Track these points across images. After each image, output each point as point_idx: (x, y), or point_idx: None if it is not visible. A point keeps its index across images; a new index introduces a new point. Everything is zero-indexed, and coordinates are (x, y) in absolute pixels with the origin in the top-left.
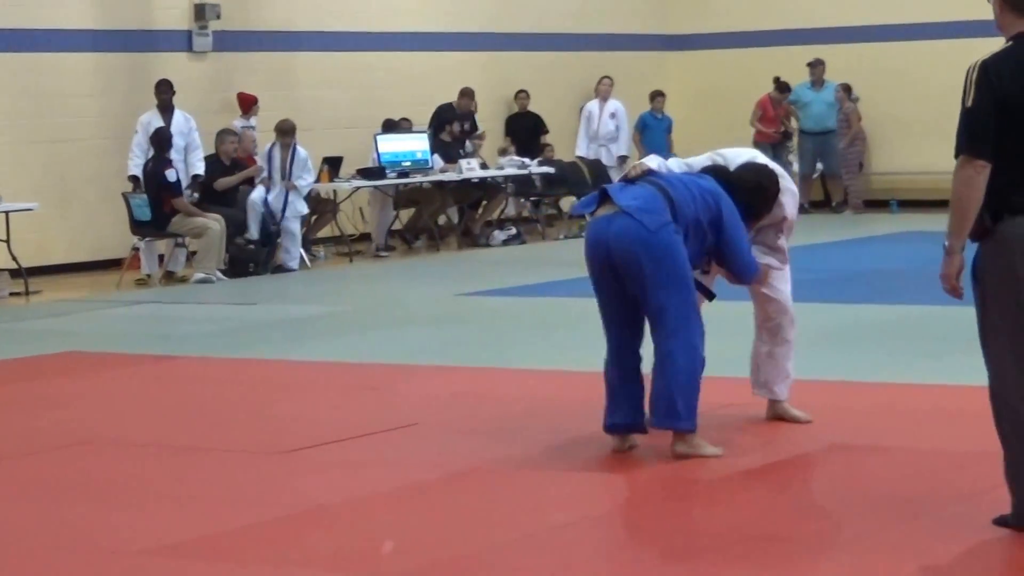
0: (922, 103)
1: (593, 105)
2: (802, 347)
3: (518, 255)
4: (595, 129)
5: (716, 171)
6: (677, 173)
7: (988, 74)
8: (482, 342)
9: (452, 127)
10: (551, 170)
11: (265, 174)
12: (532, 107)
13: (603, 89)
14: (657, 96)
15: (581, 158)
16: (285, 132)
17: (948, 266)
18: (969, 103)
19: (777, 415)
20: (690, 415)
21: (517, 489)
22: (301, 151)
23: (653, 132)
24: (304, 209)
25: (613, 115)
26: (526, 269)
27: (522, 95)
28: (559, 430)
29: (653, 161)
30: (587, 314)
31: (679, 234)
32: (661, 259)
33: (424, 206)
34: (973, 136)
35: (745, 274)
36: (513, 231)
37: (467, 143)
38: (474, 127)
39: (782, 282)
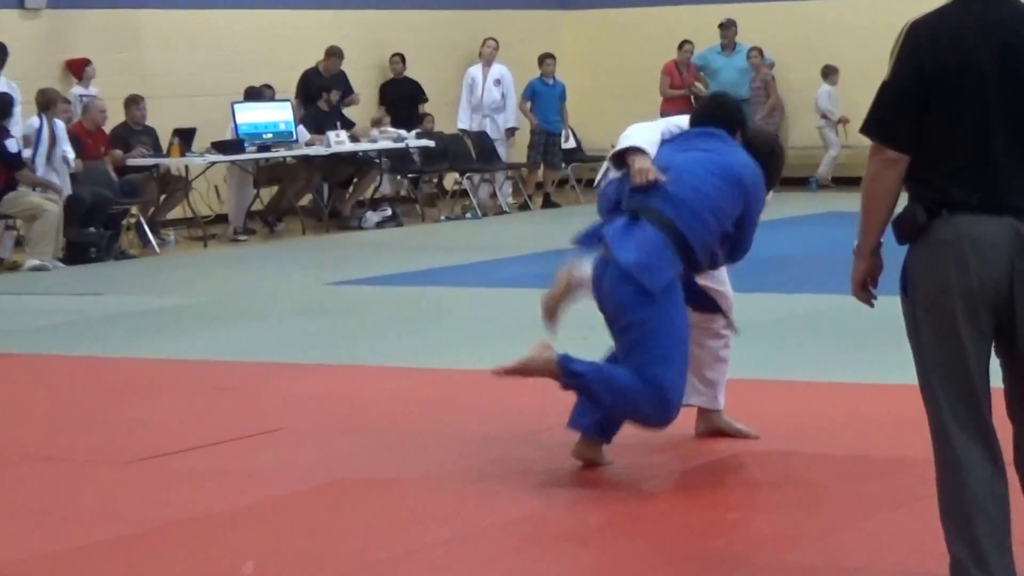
0: (846, 70)
1: (476, 71)
2: None
3: (394, 239)
4: (479, 98)
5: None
6: (687, 159)
7: (917, 39)
8: (353, 337)
9: (330, 95)
10: (431, 143)
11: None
12: (409, 73)
13: (487, 52)
14: (547, 59)
15: (464, 130)
16: (48, 104)
17: (855, 272)
18: (887, 75)
19: (716, 428)
20: (583, 416)
21: (392, 502)
22: (60, 123)
23: (544, 100)
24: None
25: (498, 82)
26: (403, 255)
27: (397, 59)
28: (438, 435)
29: (649, 145)
30: (470, 305)
31: (680, 283)
32: (655, 329)
33: (288, 184)
34: (883, 119)
35: (741, 253)
36: (388, 212)
37: (341, 111)
38: (349, 91)
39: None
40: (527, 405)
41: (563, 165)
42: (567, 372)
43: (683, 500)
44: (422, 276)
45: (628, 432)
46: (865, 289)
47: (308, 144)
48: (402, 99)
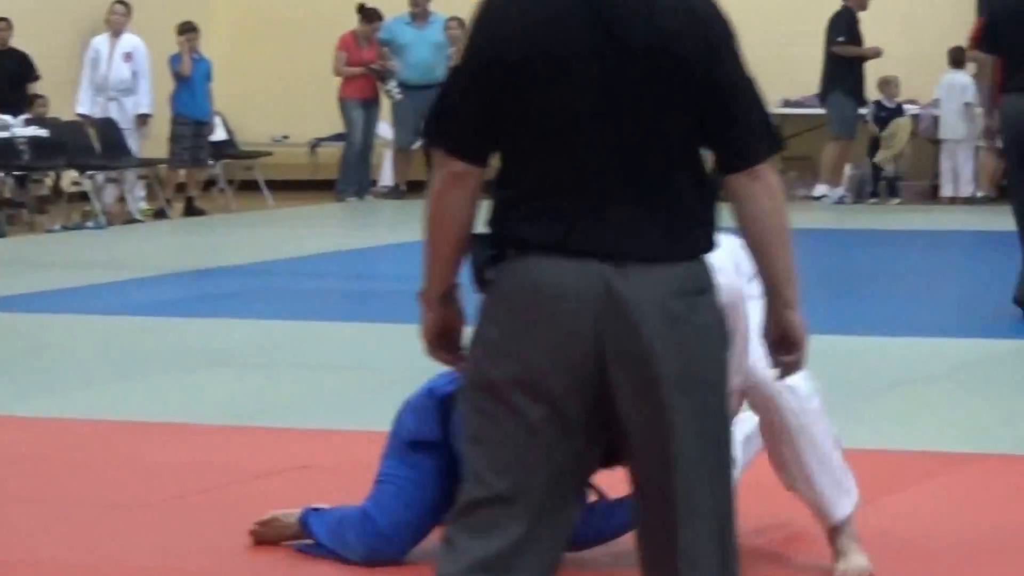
0: None
1: (101, 42)
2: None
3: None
4: (104, 75)
5: None
6: None
7: (489, 13)
8: None
9: None
10: (43, 133)
11: None
12: (15, 42)
13: (116, 20)
14: (188, 31)
15: (84, 116)
16: None
17: (422, 324)
18: (457, 62)
19: None
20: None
21: None
22: None
23: (186, 81)
24: None
25: (129, 56)
26: (5, 272)
27: (3, 25)
28: (42, 502)
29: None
30: (91, 337)
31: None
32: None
33: None
34: (445, 118)
35: None
36: None
37: None
38: None
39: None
40: (167, 463)
41: (211, 162)
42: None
43: None
44: (29, 300)
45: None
46: (442, 348)
47: None
48: (6, 76)
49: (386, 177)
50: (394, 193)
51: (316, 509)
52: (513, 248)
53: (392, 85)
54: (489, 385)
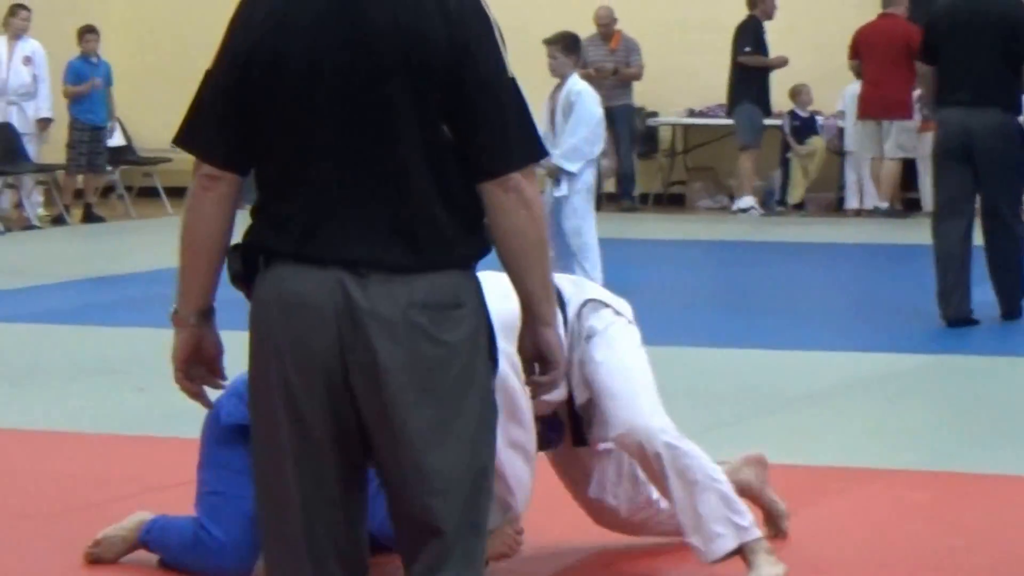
0: None
1: (0, 45)
2: None
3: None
4: (3, 80)
5: None
6: None
7: (247, 10)
8: None
9: None
10: None
11: None
12: None
13: (18, 24)
14: (87, 33)
15: None
16: None
17: (174, 347)
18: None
19: None
20: None
21: None
22: None
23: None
24: None
25: (29, 60)
26: None
27: None
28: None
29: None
30: (21, 345)
31: None
32: None
33: None
34: (197, 119)
35: None
36: None
37: None
38: None
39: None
40: (69, 473)
41: (109, 168)
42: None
43: None
44: None
45: None
46: (192, 375)
47: None
48: None
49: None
50: None
51: (154, 521)
52: (263, 257)
53: None
54: (256, 397)
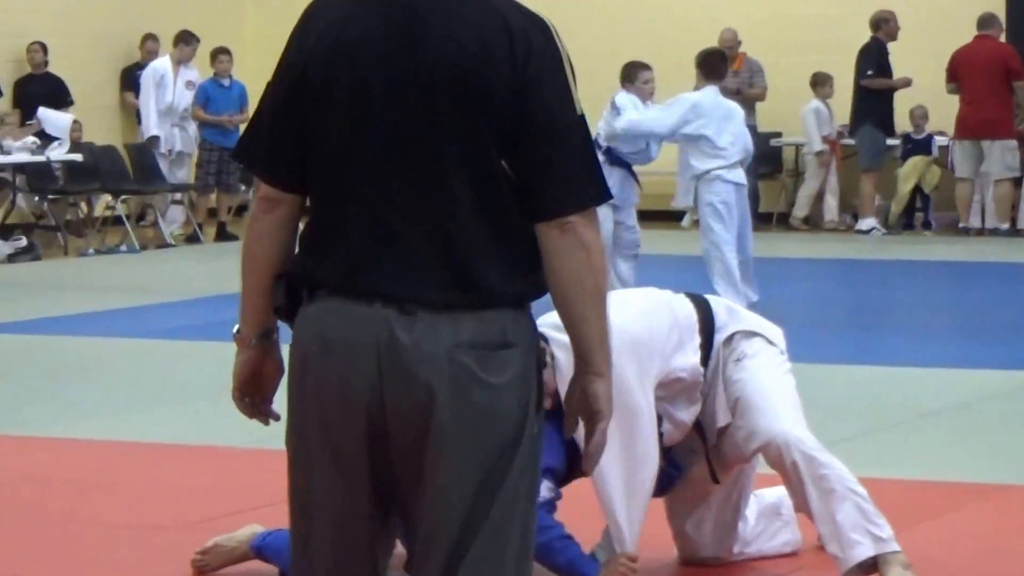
0: (589, 73)
1: (163, 67)
2: None
3: (30, 276)
4: (169, 102)
5: None
6: None
7: (304, 28)
8: None
9: None
10: (78, 157)
11: None
12: (54, 67)
13: (187, 52)
14: (220, 55)
15: (155, 137)
16: None
17: (235, 367)
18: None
19: None
20: None
21: None
22: None
23: (219, 105)
24: None
25: (191, 84)
26: (41, 296)
27: (37, 48)
28: (86, 523)
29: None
30: (125, 360)
31: None
32: None
33: None
34: (256, 138)
35: None
36: (24, 242)
37: None
38: None
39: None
40: (200, 486)
41: (242, 187)
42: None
43: None
44: (65, 323)
45: None
46: (251, 396)
47: None
48: (42, 100)
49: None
50: None
51: (269, 533)
52: (306, 289)
53: None
54: (294, 430)
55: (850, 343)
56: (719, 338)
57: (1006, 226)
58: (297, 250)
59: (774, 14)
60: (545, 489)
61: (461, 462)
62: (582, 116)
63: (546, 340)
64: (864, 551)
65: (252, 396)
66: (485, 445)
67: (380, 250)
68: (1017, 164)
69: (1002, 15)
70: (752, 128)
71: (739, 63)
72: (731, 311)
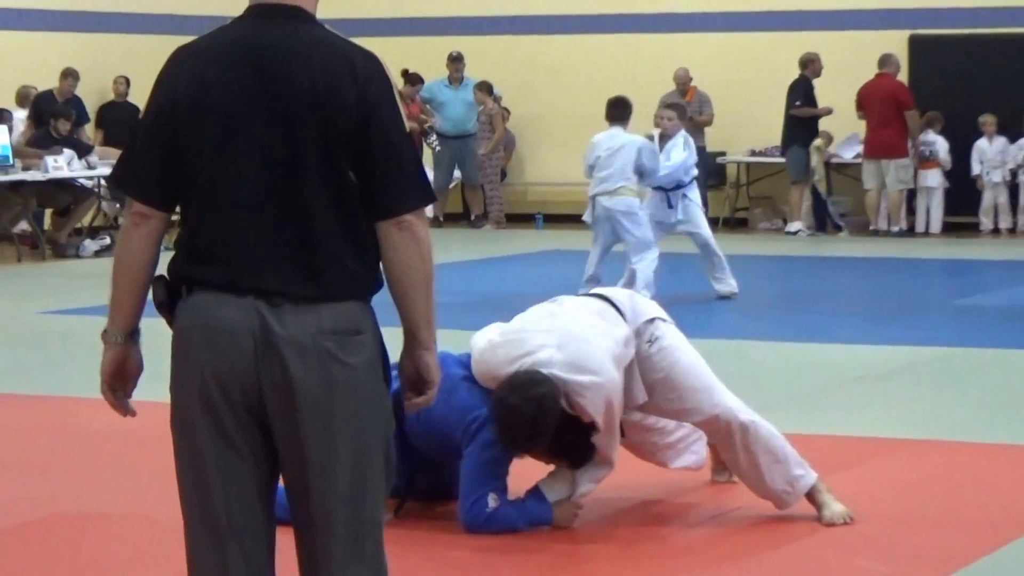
0: (573, 105)
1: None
2: None
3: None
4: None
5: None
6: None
7: (170, 66)
8: (69, 368)
9: (58, 123)
10: None
11: None
12: (133, 97)
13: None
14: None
15: None
16: None
17: (101, 364)
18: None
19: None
20: None
21: (109, 539)
22: None
23: None
24: None
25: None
26: None
27: (121, 81)
28: (158, 472)
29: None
30: None
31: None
32: None
33: (1, 210)
34: (130, 161)
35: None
36: (107, 241)
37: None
38: (84, 117)
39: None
40: None
41: None
42: None
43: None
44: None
45: None
46: (114, 391)
47: (24, 169)
48: (122, 123)
49: (427, 210)
50: (433, 223)
51: None
52: (186, 286)
53: (433, 140)
54: (179, 413)
55: (779, 324)
56: (630, 322)
57: (900, 228)
58: (176, 254)
59: (720, 54)
60: (492, 500)
61: (328, 425)
62: (410, 132)
63: (563, 382)
64: (810, 479)
65: (117, 389)
66: (346, 411)
67: (250, 252)
68: (909, 178)
69: (904, 55)
70: (701, 148)
71: (691, 95)
72: (631, 297)
